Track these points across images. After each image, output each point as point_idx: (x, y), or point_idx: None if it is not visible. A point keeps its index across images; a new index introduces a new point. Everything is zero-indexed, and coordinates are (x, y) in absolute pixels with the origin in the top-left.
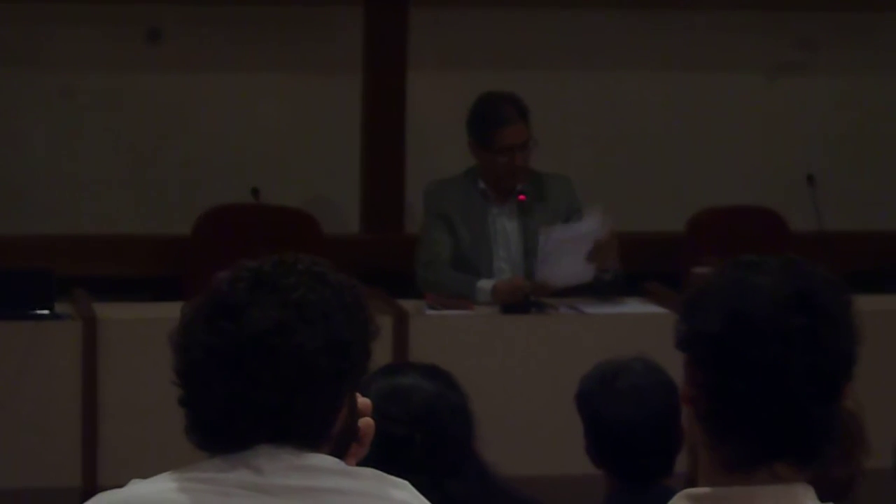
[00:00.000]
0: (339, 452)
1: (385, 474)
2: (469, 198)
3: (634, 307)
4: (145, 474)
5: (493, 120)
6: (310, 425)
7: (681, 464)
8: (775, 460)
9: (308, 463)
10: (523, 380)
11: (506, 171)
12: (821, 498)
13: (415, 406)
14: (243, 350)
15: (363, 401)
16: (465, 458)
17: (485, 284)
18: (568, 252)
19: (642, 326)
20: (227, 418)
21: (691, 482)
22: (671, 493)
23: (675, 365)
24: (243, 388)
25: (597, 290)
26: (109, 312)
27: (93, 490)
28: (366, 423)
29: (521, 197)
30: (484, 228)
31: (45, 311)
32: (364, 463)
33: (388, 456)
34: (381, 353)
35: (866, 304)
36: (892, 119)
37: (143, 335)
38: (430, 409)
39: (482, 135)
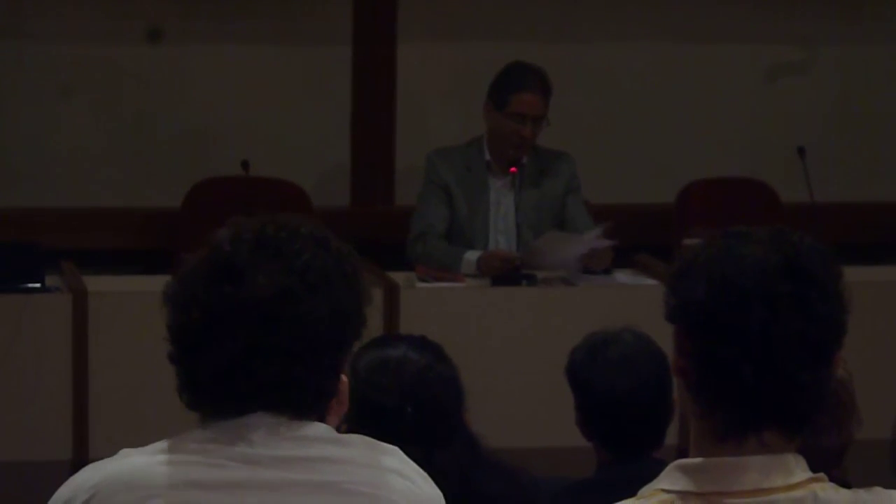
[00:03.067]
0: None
1: (375, 441)
2: (471, 168)
3: (625, 279)
4: (136, 446)
5: (514, 84)
6: (308, 395)
7: (671, 436)
8: (764, 429)
9: (300, 433)
10: (513, 352)
11: (512, 138)
12: (812, 468)
13: (405, 378)
14: (246, 316)
15: None
16: (455, 429)
17: (471, 256)
18: (560, 244)
19: (633, 298)
20: (223, 383)
21: (682, 454)
22: (662, 465)
23: (665, 336)
24: (242, 355)
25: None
26: (99, 285)
27: (83, 462)
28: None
29: (513, 169)
30: (483, 200)
31: (36, 285)
32: (354, 433)
33: (377, 427)
34: (372, 326)
35: (857, 276)
36: (883, 91)
37: (133, 308)
38: (420, 381)
39: (499, 95)
